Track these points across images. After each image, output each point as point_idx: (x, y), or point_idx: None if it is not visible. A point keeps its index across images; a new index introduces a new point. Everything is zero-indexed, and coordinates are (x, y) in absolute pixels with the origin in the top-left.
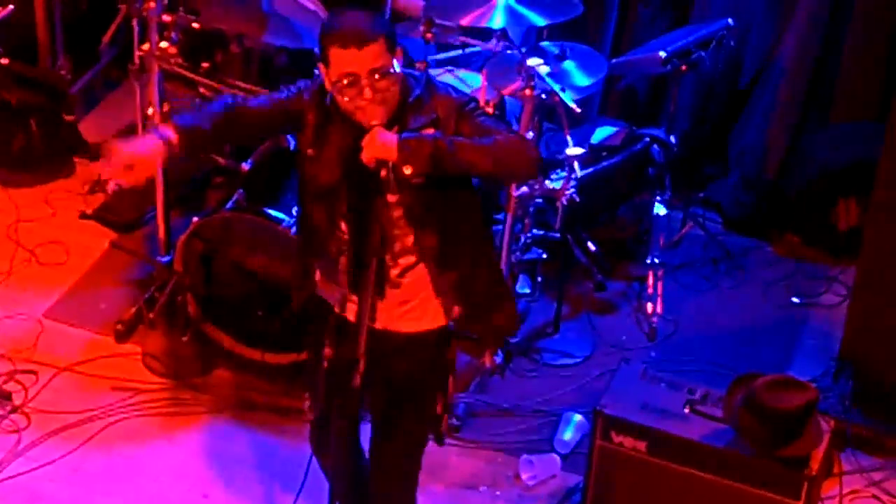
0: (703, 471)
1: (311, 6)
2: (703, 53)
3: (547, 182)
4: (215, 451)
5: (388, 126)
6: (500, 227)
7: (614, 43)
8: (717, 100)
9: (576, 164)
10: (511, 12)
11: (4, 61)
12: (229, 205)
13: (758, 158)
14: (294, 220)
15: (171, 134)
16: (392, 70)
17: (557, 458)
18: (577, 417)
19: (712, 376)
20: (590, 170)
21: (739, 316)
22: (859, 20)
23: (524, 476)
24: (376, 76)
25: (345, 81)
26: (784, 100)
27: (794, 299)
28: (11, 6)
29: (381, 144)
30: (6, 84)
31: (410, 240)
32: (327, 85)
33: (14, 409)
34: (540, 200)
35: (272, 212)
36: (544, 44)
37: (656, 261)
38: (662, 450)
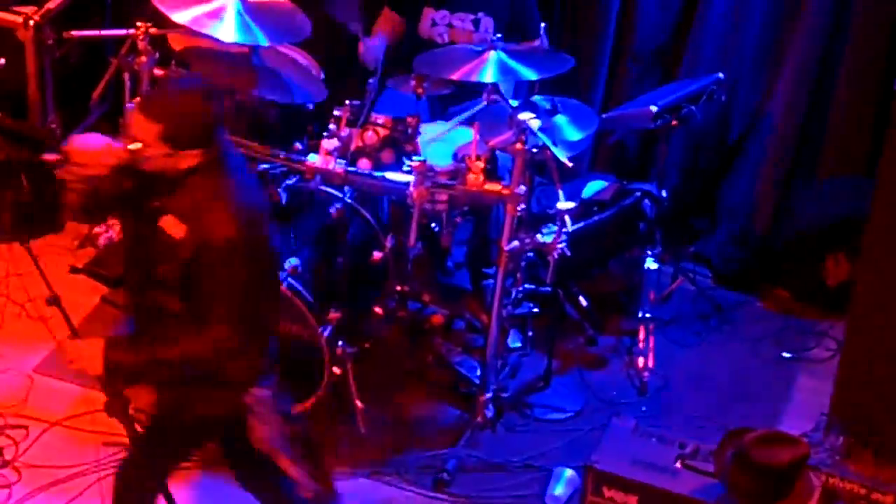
0: None
1: (303, 61)
2: (693, 108)
3: (538, 236)
4: None
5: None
6: (492, 281)
7: (605, 97)
8: (706, 154)
9: (567, 219)
10: (502, 67)
11: None
12: None
13: (747, 213)
14: (286, 273)
15: None
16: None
17: None
18: (569, 472)
19: (703, 431)
20: (581, 224)
21: (730, 371)
22: (847, 75)
23: None
24: None
25: None
26: (773, 155)
27: (785, 354)
28: (2, 60)
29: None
30: None
31: None
32: None
33: (5, 464)
34: (531, 254)
35: None
36: (535, 98)
37: (647, 315)
38: None
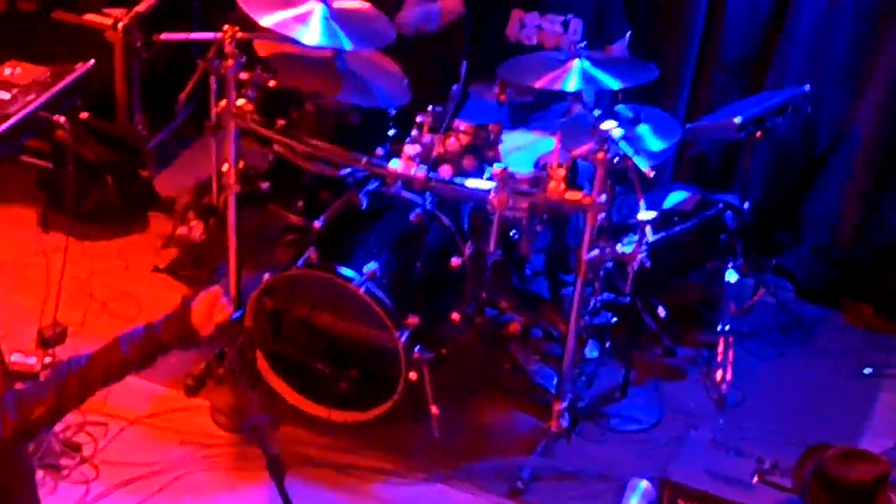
0: None
1: (388, 67)
2: (778, 120)
3: (618, 246)
4: None
5: None
6: (570, 290)
7: (688, 108)
8: (790, 167)
9: (647, 229)
10: (586, 76)
11: (83, 116)
12: (300, 262)
13: (831, 226)
14: (365, 277)
15: None
16: None
17: None
18: (644, 484)
19: (781, 446)
20: (661, 235)
21: (810, 386)
22: None
23: None
24: None
25: None
26: (858, 168)
27: (866, 370)
28: (92, 61)
29: None
30: (84, 139)
31: None
32: None
33: (83, 461)
34: (610, 264)
35: (343, 270)
36: (619, 107)
37: (727, 328)
38: None
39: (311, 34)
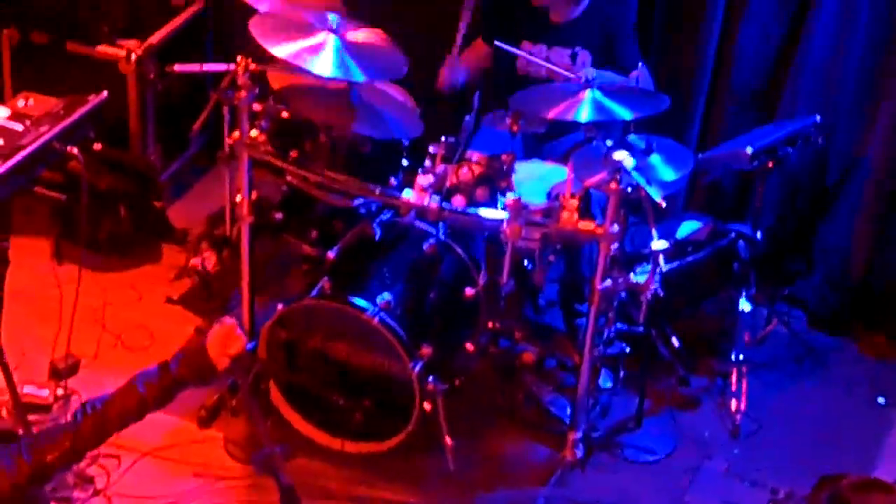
0: None
1: (400, 98)
2: (789, 150)
3: (631, 276)
4: None
5: None
6: (584, 320)
7: (700, 137)
8: (803, 196)
9: (660, 259)
10: (598, 106)
11: (97, 147)
12: (314, 292)
13: (844, 256)
14: (378, 308)
15: None
16: None
17: None
18: None
19: (795, 476)
20: (674, 264)
21: (824, 415)
22: None
23: None
24: None
25: None
26: (870, 198)
27: (880, 399)
28: (105, 93)
29: None
30: (97, 169)
31: None
32: None
33: (96, 493)
34: (624, 294)
35: (357, 300)
36: (631, 137)
37: (740, 357)
38: None
39: (324, 65)
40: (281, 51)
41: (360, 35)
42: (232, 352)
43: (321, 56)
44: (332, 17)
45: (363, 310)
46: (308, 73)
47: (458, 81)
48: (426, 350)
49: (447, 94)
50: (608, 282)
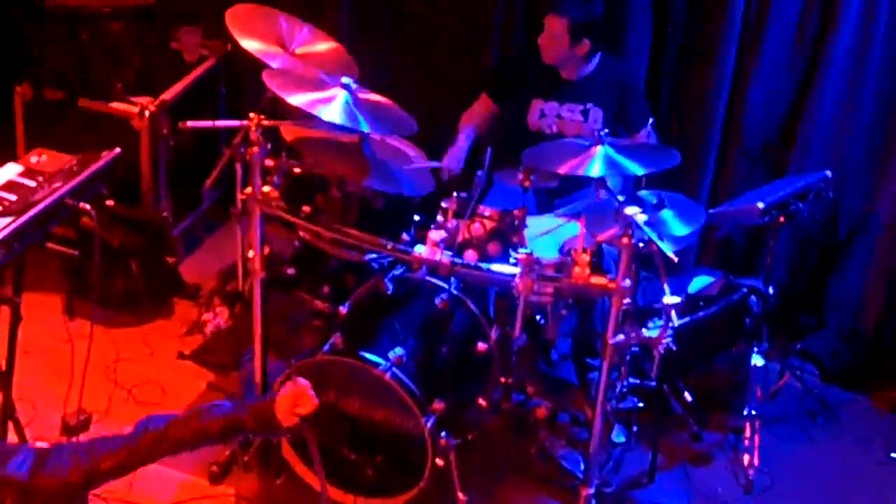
0: None
1: (412, 152)
2: (801, 205)
3: (644, 330)
4: None
5: None
6: (596, 374)
7: (711, 193)
8: (814, 251)
9: (672, 314)
10: (609, 161)
11: (109, 203)
12: (326, 348)
13: (856, 310)
14: (391, 363)
15: None
16: None
17: None
18: None
19: None
20: (686, 319)
21: (837, 470)
22: None
23: None
24: None
25: None
26: (881, 252)
27: (893, 454)
28: (118, 149)
29: None
30: (109, 226)
31: None
32: None
33: None
34: (636, 349)
35: (369, 355)
36: (642, 193)
37: (753, 412)
38: None
39: (334, 113)
40: (294, 100)
41: (371, 96)
42: (301, 412)
43: (332, 105)
44: (346, 80)
45: (375, 365)
46: (319, 122)
47: (461, 160)
48: (438, 405)
49: (456, 172)
50: (620, 336)
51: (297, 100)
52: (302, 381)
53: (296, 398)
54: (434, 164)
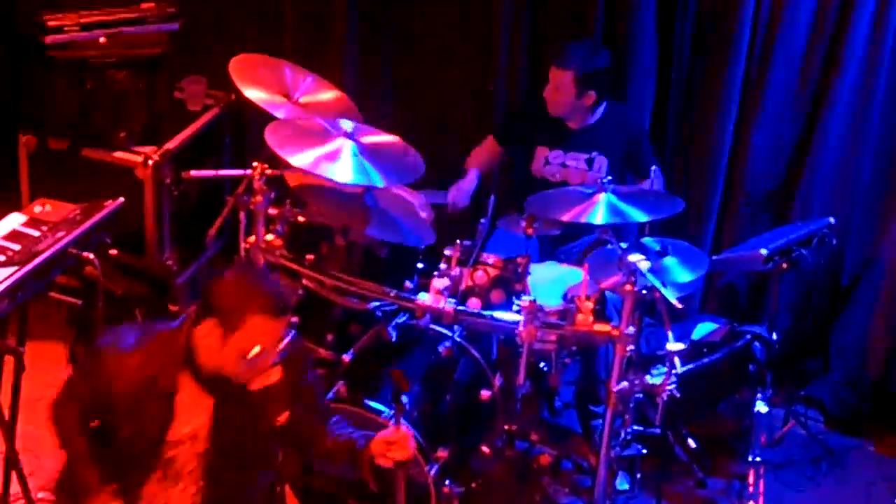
0: None
1: (416, 202)
2: (804, 252)
3: (647, 377)
4: None
5: None
6: (600, 421)
7: (715, 239)
8: (818, 297)
9: (676, 360)
10: (613, 209)
11: (113, 252)
12: (330, 396)
13: (860, 356)
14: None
15: None
16: None
17: None
18: None
19: None
20: (690, 366)
21: None
22: None
23: None
24: None
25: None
26: (885, 296)
27: None
28: (122, 199)
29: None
30: (113, 275)
31: None
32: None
33: None
34: (640, 396)
35: (372, 403)
36: (645, 240)
37: (757, 459)
38: None
39: (343, 172)
40: (298, 159)
41: (375, 138)
42: (395, 458)
43: (339, 162)
44: (347, 123)
45: (379, 412)
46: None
47: (468, 197)
48: (442, 453)
49: (462, 208)
50: (624, 383)
51: (301, 160)
52: (407, 429)
53: (395, 443)
54: (440, 196)
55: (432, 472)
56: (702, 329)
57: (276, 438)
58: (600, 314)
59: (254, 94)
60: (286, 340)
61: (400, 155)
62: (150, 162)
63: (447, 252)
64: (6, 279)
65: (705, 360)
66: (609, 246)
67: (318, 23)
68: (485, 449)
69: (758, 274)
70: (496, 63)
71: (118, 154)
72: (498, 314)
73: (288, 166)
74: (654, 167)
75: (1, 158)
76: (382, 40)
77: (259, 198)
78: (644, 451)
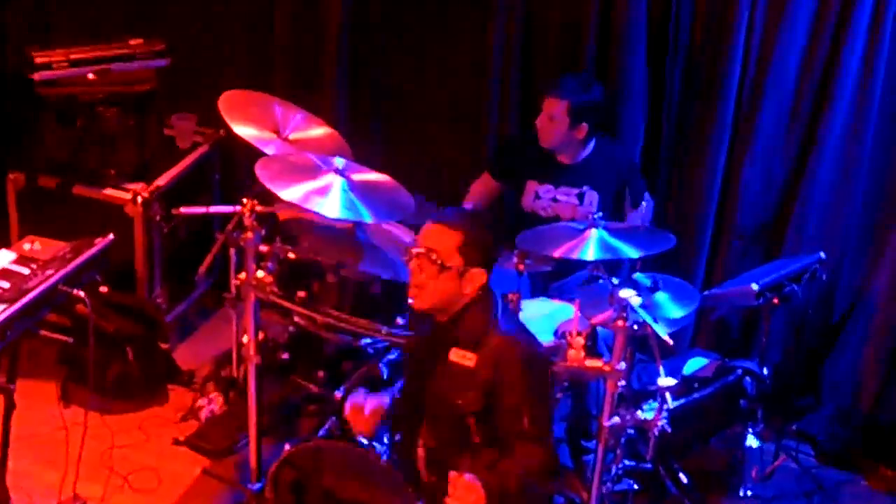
0: None
1: (407, 239)
2: (795, 287)
3: (639, 413)
4: None
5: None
6: (592, 457)
7: (706, 274)
8: (809, 332)
9: (668, 395)
10: (604, 244)
11: (103, 290)
12: (322, 432)
13: (852, 391)
14: (386, 448)
15: None
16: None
17: None
18: None
19: None
20: (682, 401)
21: None
22: None
23: None
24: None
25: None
26: (877, 331)
27: None
28: (112, 236)
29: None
30: (104, 313)
31: None
32: None
33: None
34: (632, 431)
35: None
36: (637, 275)
37: (749, 493)
38: None
39: (332, 207)
40: (288, 193)
41: (366, 176)
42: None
43: (329, 197)
44: (338, 160)
45: (372, 449)
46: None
47: None
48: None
49: None
50: (616, 418)
51: (291, 194)
52: (469, 477)
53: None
54: None
55: None
56: (693, 364)
57: None
58: (591, 350)
59: (243, 130)
60: None
61: (390, 191)
62: (140, 199)
63: None
64: None
65: (696, 395)
66: (600, 281)
67: (307, 65)
68: None
69: (749, 309)
70: (488, 97)
71: (108, 191)
72: None
73: (278, 201)
74: (646, 194)
75: None
76: (373, 83)
77: (249, 234)
78: (636, 486)
